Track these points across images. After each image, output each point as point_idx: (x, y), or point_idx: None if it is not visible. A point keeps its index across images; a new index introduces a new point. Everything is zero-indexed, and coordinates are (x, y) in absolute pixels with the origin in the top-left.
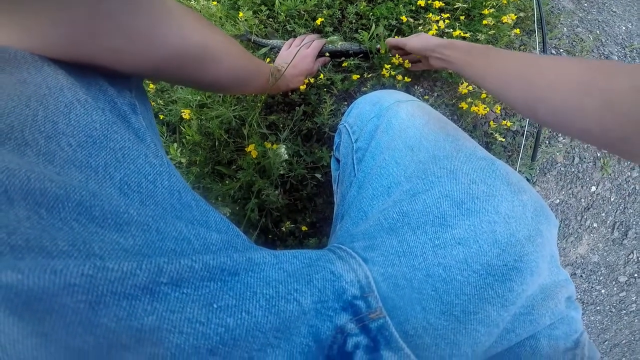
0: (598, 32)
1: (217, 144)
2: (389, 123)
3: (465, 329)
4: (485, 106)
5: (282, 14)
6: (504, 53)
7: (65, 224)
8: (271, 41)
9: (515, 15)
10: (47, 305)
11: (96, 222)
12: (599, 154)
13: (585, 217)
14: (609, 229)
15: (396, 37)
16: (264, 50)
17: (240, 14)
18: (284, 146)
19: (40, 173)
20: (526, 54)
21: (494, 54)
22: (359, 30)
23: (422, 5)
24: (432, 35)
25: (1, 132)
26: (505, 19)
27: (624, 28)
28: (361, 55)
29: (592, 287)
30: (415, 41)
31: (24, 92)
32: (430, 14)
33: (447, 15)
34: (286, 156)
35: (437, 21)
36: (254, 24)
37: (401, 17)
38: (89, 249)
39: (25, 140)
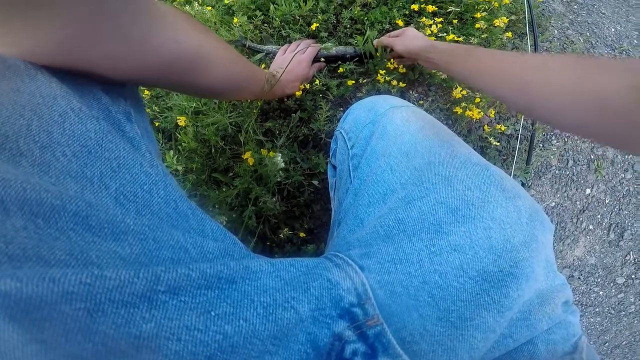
0: (588, 34)
1: (213, 151)
2: (384, 129)
3: (462, 335)
4: (480, 110)
5: (277, 19)
6: (486, 53)
7: (62, 234)
8: (266, 47)
9: (507, 18)
10: (46, 313)
11: (93, 231)
12: (592, 157)
13: (580, 219)
14: (605, 231)
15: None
16: (259, 56)
17: (235, 20)
18: (280, 154)
19: (36, 184)
20: (509, 52)
21: (475, 54)
22: (354, 35)
23: (416, 9)
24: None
25: None
26: (497, 22)
27: (613, 30)
28: (356, 58)
29: (590, 289)
30: (400, 46)
31: (18, 101)
32: (424, 17)
33: (440, 19)
34: (282, 165)
35: (430, 25)
36: (249, 30)
37: (397, 22)
38: (86, 258)
39: (20, 151)
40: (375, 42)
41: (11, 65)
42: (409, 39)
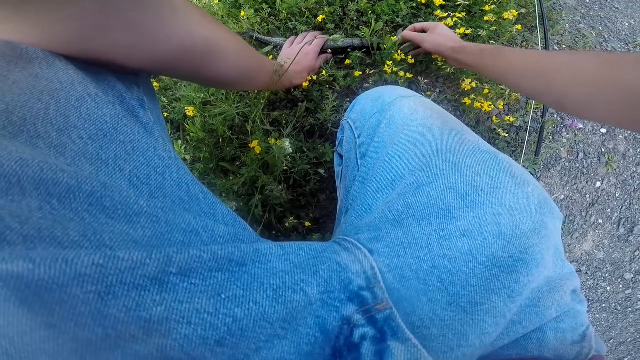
0: (601, 28)
1: (220, 140)
2: (392, 118)
3: (472, 320)
4: (489, 102)
5: (283, 11)
6: (515, 53)
7: (76, 215)
8: (273, 39)
9: (517, 11)
10: (58, 296)
11: (107, 213)
12: (603, 150)
13: (590, 213)
14: (615, 226)
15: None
16: (267, 49)
17: (242, 13)
18: (288, 140)
19: (53, 164)
20: (537, 51)
21: (504, 55)
22: (360, 27)
23: (423, 2)
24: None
25: (14, 124)
26: (506, 15)
27: (627, 24)
28: (364, 49)
29: (597, 284)
30: (429, 44)
31: (37, 86)
32: (438, 11)
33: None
34: (290, 150)
35: (445, 18)
36: (256, 22)
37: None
38: (99, 240)
39: (37, 133)
40: (401, 34)
41: (31, 53)
42: (440, 37)
